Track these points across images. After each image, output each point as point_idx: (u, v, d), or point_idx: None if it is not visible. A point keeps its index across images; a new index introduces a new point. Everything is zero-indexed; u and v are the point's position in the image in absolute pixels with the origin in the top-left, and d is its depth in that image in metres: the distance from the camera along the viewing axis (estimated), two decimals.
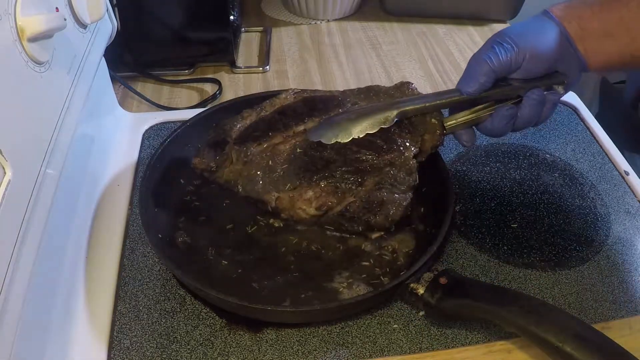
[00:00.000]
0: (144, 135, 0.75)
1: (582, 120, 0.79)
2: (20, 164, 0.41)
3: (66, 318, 0.53)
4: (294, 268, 0.56)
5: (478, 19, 1.03)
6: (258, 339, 0.52)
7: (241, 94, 0.85)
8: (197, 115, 0.68)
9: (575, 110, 0.80)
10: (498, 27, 1.02)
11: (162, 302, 0.55)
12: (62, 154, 0.49)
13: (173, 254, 0.57)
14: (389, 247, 0.58)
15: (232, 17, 0.86)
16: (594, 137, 0.76)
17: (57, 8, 0.49)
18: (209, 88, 0.87)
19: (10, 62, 0.42)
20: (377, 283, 0.55)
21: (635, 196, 0.67)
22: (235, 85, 0.87)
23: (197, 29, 0.86)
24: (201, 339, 0.52)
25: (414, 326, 0.53)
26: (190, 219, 0.61)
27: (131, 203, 0.65)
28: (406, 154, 0.58)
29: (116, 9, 0.76)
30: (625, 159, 0.72)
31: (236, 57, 0.90)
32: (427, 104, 0.58)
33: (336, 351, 0.52)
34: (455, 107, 0.59)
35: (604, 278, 0.58)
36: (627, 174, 0.70)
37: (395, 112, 0.57)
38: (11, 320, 0.39)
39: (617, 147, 0.74)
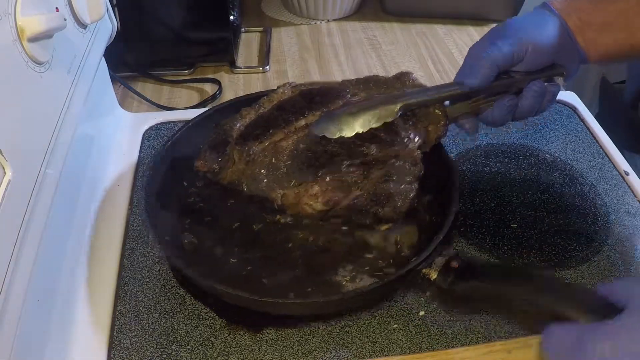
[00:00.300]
0: (144, 135, 0.75)
1: (582, 120, 0.79)
2: (20, 164, 0.41)
3: (66, 318, 0.53)
4: (301, 263, 0.56)
5: (478, 19, 1.03)
6: (258, 339, 0.52)
7: (241, 94, 0.84)
8: (199, 115, 0.68)
9: (575, 110, 0.80)
10: None
11: (162, 302, 0.55)
12: (62, 154, 0.49)
13: (180, 255, 0.56)
14: (394, 239, 0.58)
15: (232, 17, 0.86)
16: (594, 137, 0.76)
17: (57, 8, 0.49)
18: (209, 88, 0.87)
19: (10, 62, 0.42)
20: (384, 275, 0.54)
21: (635, 196, 0.67)
22: (235, 86, 0.87)
23: (197, 29, 0.86)
24: (201, 339, 0.52)
25: (414, 326, 0.53)
26: (195, 220, 0.60)
27: (131, 203, 0.65)
28: (410, 146, 0.58)
29: (116, 9, 0.76)
30: (625, 159, 0.72)
31: (236, 57, 0.90)
32: (430, 97, 0.58)
33: (336, 351, 0.52)
34: (457, 99, 0.59)
35: (604, 278, 0.58)
36: (627, 174, 0.70)
37: (398, 106, 0.56)
38: (11, 320, 0.39)
39: (617, 147, 0.74)
